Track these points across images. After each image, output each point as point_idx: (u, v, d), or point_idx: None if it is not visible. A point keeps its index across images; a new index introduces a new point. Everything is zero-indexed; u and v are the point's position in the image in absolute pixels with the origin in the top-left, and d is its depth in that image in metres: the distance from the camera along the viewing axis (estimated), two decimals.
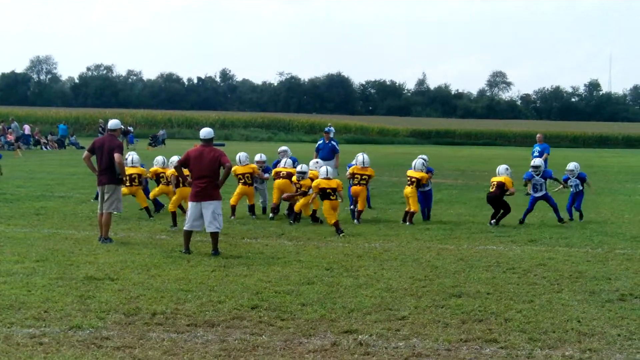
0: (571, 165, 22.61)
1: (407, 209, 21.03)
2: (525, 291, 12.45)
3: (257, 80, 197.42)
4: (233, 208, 21.44)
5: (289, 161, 22.43)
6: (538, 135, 32.34)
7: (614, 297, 12.15)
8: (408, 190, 21.01)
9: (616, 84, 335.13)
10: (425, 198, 21.63)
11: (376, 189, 29.22)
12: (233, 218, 20.99)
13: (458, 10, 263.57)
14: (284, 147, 23.96)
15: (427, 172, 21.55)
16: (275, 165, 22.67)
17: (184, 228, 15.80)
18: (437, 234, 18.86)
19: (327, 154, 25.61)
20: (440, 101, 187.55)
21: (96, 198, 19.91)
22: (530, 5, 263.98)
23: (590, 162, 56.63)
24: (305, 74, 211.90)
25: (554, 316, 10.89)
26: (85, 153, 17.21)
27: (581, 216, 22.01)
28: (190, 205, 15.76)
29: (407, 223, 20.60)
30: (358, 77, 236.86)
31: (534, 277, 13.57)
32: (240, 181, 21.55)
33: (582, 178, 22.21)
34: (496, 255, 15.88)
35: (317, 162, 22.45)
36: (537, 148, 31.01)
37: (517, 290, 12.47)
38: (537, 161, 21.89)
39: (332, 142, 26.97)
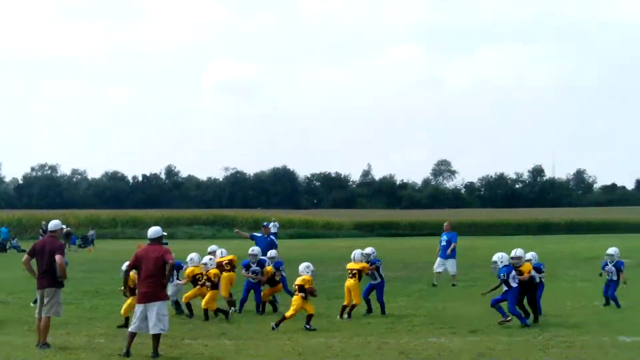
0: (611, 250, 22.88)
1: (344, 303, 20.98)
2: None
3: (202, 176, 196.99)
4: (188, 306, 21.38)
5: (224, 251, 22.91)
6: (445, 224, 31.99)
7: None
8: (350, 282, 20.90)
9: (560, 170, 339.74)
10: (375, 291, 21.70)
11: (320, 283, 29.25)
12: (193, 318, 20.95)
13: (402, 101, 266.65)
14: (213, 247, 23.94)
15: (372, 264, 21.60)
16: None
17: (129, 329, 15.67)
18: (378, 328, 18.86)
19: (265, 248, 25.66)
20: (385, 192, 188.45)
21: (35, 302, 19.70)
22: (474, 95, 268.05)
23: (533, 249, 56.97)
24: (250, 169, 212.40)
25: None
26: (25, 256, 17.02)
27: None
28: (136, 307, 15.65)
29: (346, 317, 20.57)
30: (303, 170, 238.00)
31: None
32: (199, 282, 21.31)
33: (538, 268, 22.15)
34: (437, 347, 15.92)
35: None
36: (444, 237, 30.94)
37: None
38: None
39: (271, 236, 27.15)
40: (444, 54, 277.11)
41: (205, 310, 20.47)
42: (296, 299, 19.09)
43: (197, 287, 21.09)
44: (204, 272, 20.91)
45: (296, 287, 19.23)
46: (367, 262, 21.54)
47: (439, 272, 30.01)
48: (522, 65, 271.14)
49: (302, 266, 19.91)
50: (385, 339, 17.22)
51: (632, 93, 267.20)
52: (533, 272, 20.22)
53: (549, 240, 74.38)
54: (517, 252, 20.04)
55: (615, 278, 22.34)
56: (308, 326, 18.84)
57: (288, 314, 18.95)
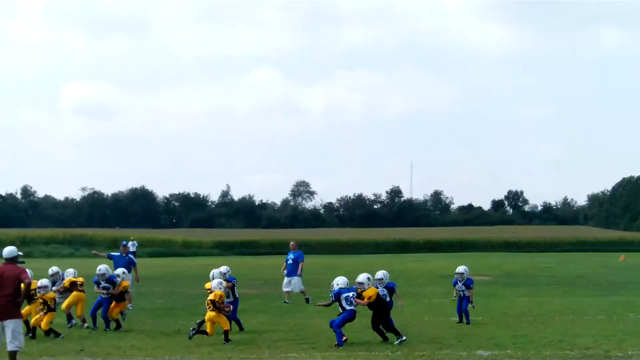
0: (461, 269, 23.14)
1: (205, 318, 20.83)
2: None
3: (60, 196, 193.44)
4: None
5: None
6: (291, 243, 32.14)
7: None
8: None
9: (417, 191, 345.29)
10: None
11: (179, 301, 29.07)
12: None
13: (260, 123, 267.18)
14: (54, 268, 23.59)
15: (228, 281, 21.54)
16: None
17: None
18: (238, 345, 18.74)
19: (124, 266, 25.32)
20: (245, 212, 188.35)
21: None
22: (332, 118, 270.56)
23: (393, 267, 57.72)
24: (108, 189, 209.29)
25: None
26: None
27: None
28: None
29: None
30: (162, 190, 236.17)
31: None
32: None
33: (390, 288, 22.39)
34: None
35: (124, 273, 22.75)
36: (291, 256, 31.09)
37: None
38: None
39: (130, 255, 26.96)
40: (302, 78, 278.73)
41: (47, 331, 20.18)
42: (210, 314, 19.25)
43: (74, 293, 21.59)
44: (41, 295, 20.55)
45: (209, 302, 19.30)
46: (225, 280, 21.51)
47: (288, 291, 30.14)
48: (380, 90, 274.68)
49: (215, 282, 20.21)
50: (245, 355, 17.12)
51: (486, 117, 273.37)
52: (383, 292, 20.46)
53: (408, 258, 75.43)
54: (360, 277, 19.73)
55: (467, 294, 22.74)
56: (226, 342, 18.82)
57: (208, 330, 19.24)
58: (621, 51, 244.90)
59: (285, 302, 29.51)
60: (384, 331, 19.34)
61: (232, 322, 21.51)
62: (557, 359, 16.02)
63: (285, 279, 30.32)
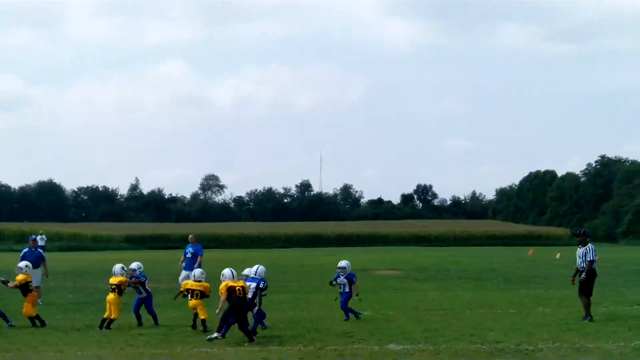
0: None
1: (105, 315, 20.75)
2: None
3: None
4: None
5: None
6: (190, 237, 32.04)
7: None
8: (110, 297, 20.86)
9: (327, 184, 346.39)
10: (144, 304, 21.49)
11: (90, 296, 28.77)
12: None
13: (169, 116, 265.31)
14: None
15: (137, 278, 21.40)
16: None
17: None
18: (151, 339, 18.62)
19: (34, 261, 24.92)
20: (154, 205, 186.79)
21: None
22: (242, 109, 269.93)
23: (303, 262, 57.85)
24: (15, 182, 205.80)
25: None
26: None
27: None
28: None
29: (104, 329, 20.29)
30: (70, 183, 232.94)
31: None
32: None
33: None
34: (209, 357, 15.80)
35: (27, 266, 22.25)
36: (190, 249, 31.04)
37: None
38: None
39: (39, 249, 26.60)
40: (211, 71, 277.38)
41: None
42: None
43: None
44: None
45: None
46: (132, 277, 21.55)
47: None
48: (288, 84, 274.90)
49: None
50: (158, 350, 16.99)
51: (395, 111, 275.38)
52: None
53: (319, 252, 75.64)
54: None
55: (347, 290, 22.75)
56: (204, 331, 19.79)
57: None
58: (530, 45, 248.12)
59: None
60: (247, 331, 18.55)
61: (150, 316, 21.49)
62: (468, 353, 16.16)
63: (184, 273, 30.17)
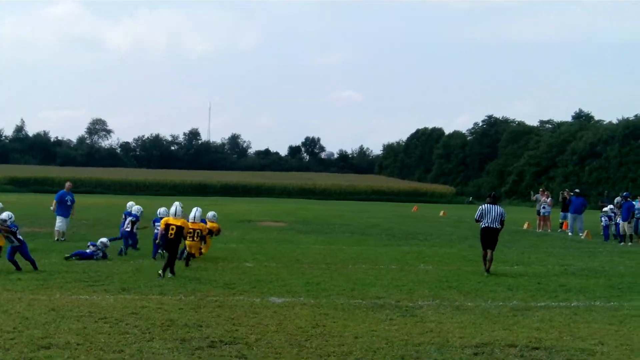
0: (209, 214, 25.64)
1: None
2: (117, 341, 12.28)
3: None
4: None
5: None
6: (67, 184, 32.34)
7: (204, 344, 12.25)
8: None
9: (215, 134, 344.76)
10: (19, 252, 21.14)
11: None
12: None
13: (58, 58, 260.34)
14: None
15: (9, 227, 21.02)
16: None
17: None
18: (29, 284, 18.28)
19: None
20: (39, 148, 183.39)
21: None
22: (133, 54, 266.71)
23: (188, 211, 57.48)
24: None
25: None
26: None
27: None
28: None
29: None
30: None
31: (126, 327, 13.43)
32: None
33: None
34: (88, 304, 15.58)
35: None
36: (69, 197, 31.13)
37: (108, 340, 12.27)
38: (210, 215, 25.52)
39: None
40: (104, 14, 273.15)
41: None
42: (190, 243, 23.18)
43: None
44: None
45: None
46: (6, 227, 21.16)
47: (63, 231, 30.71)
48: (182, 29, 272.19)
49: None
50: (36, 295, 16.69)
51: (286, 61, 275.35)
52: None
53: (205, 202, 75.33)
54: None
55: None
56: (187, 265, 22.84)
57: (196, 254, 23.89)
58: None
59: (57, 240, 29.90)
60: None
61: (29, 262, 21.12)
62: (348, 308, 16.24)
63: (60, 219, 30.14)
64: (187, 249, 23.28)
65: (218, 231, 26.42)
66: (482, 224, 24.00)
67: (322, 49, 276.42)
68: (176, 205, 22.17)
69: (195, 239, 23.25)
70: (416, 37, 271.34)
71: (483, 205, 24.40)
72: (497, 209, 24.05)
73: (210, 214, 26.52)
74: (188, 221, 22.80)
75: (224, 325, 13.86)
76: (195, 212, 23.60)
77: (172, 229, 21.08)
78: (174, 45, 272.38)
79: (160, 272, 20.47)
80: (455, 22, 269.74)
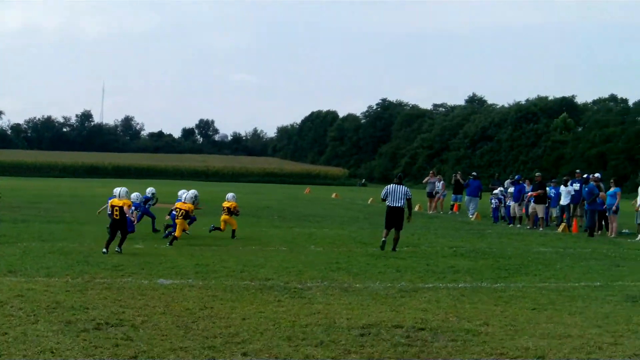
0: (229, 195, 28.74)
1: None
2: (0, 323, 12.06)
3: None
4: None
5: None
6: None
7: (90, 326, 12.10)
8: None
9: (108, 116, 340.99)
10: None
11: None
12: None
13: None
14: None
15: None
16: None
17: None
18: None
19: None
20: None
21: None
22: (25, 34, 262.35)
23: (79, 192, 56.81)
24: None
25: (27, 348, 10.64)
26: None
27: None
28: None
29: None
30: None
31: (11, 309, 13.20)
32: None
33: None
34: None
35: None
36: None
37: None
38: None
39: None
40: None
41: None
42: (224, 217, 27.54)
43: None
44: None
45: None
46: None
47: None
48: (76, 9, 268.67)
49: None
50: None
51: (181, 43, 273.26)
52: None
53: (96, 183, 74.52)
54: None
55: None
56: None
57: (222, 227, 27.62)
58: None
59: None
60: None
61: None
62: (237, 289, 16.21)
63: None
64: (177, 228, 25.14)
65: (236, 210, 28.24)
66: (387, 203, 25.00)
67: (218, 32, 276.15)
68: (120, 189, 23.36)
69: (179, 217, 25.19)
70: (312, 22, 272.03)
71: (389, 185, 25.53)
72: (402, 188, 25.06)
73: (230, 195, 29.14)
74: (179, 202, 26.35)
75: (110, 307, 13.71)
76: (181, 193, 27.93)
77: (116, 210, 22.43)
78: (68, 26, 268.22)
79: (104, 249, 21.83)
80: (352, 8, 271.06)
